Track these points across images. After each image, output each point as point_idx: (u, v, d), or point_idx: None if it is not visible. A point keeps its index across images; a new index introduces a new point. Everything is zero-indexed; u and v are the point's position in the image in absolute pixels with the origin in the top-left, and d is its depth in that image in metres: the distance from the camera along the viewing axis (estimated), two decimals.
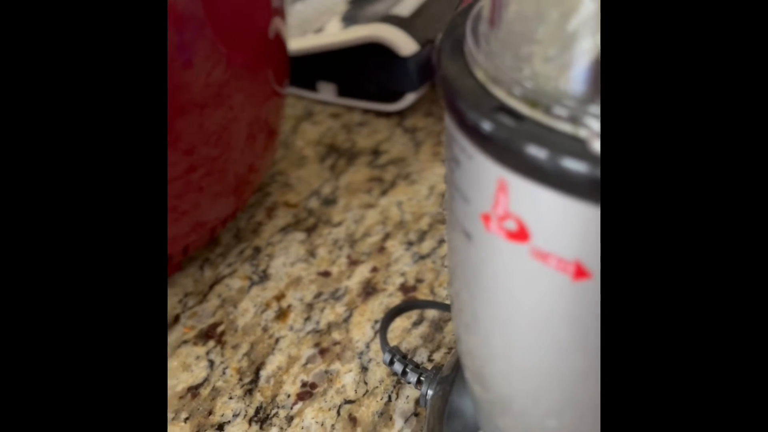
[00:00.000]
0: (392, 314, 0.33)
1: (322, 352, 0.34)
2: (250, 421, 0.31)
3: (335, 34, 0.50)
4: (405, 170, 0.46)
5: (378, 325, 0.35)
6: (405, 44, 0.47)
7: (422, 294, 0.37)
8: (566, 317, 0.16)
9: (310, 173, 0.46)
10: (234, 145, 0.36)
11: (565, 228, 0.14)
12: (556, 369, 0.17)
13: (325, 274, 0.38)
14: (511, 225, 0.15)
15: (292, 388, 0.32)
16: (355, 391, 0.32)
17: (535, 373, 0.18)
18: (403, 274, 0.38)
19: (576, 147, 0.14)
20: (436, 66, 0.16)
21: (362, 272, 0.38)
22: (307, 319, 0.36)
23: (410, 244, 0.40)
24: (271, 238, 0.41)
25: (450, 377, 0.28)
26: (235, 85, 0.34)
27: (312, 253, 0.40)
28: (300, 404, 0.32)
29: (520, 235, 0.15)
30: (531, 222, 0.15)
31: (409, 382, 0.31)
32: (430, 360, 0.34)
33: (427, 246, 0.40)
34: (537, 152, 0.14)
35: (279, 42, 0.39)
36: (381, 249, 0.40)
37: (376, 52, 0.47)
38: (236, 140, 0.36)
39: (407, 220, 0.42)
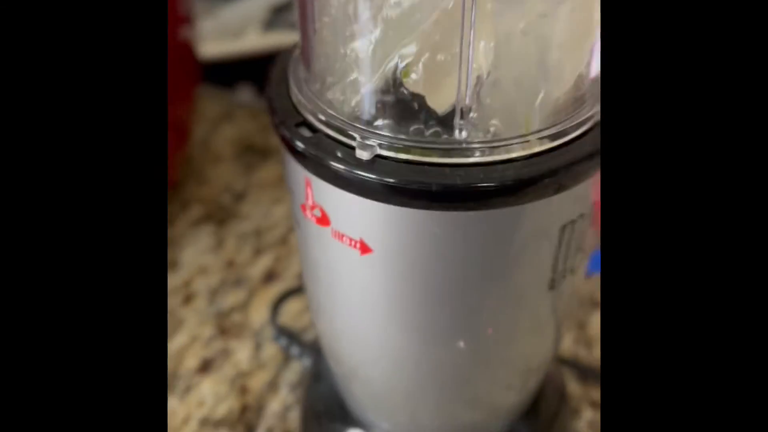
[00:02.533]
0: (284, 296, 0.38)
1: (223, 331, 0.38)
2: None
3: (253, 40, 0.54)
4: None
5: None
6: None
7: None
8: (358, 283, 0.20)
9: (224, 170, 0.50)
10: None
11: (349, 215, 0.19)
12: (364, 328, 0.22)
13: (231, 263, 0.42)
14: (317, 213, 0.20)
15: (192, 362, 0.36)
16: (248, 365, 0.36)
17: (357, 335, 0.23)
18: None
19: (348, 156, 0.18)
20: (265, 89, 0.21)
21: (265, 262, 0.42)
22: (211, 303, 0.40)
23: None
24: (182, 231, 0.45)
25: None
26: None
27: (220, 244, 0.44)
28: (198, 376, 0.36)
29: (324, 220, 0.20)
30: (329, 210, 0.19)
31: (293, 355, 0.35)
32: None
33: None
34: (322, 159, 0.18)
35: (187, 48, 0.42)
36: (284, 241, 0.44)
37: None
38: None
39: None
